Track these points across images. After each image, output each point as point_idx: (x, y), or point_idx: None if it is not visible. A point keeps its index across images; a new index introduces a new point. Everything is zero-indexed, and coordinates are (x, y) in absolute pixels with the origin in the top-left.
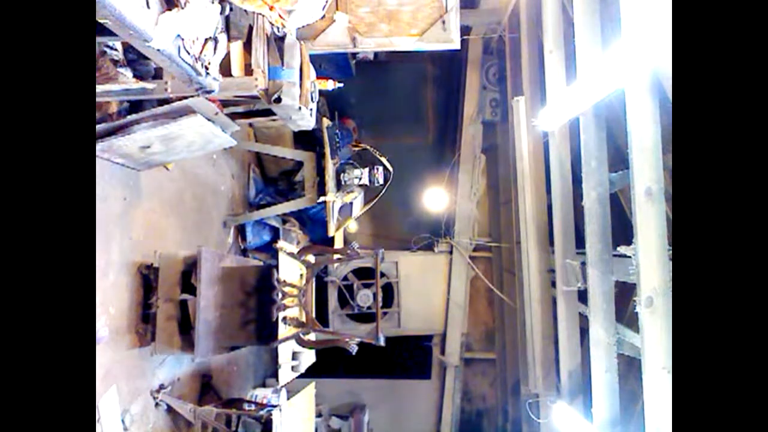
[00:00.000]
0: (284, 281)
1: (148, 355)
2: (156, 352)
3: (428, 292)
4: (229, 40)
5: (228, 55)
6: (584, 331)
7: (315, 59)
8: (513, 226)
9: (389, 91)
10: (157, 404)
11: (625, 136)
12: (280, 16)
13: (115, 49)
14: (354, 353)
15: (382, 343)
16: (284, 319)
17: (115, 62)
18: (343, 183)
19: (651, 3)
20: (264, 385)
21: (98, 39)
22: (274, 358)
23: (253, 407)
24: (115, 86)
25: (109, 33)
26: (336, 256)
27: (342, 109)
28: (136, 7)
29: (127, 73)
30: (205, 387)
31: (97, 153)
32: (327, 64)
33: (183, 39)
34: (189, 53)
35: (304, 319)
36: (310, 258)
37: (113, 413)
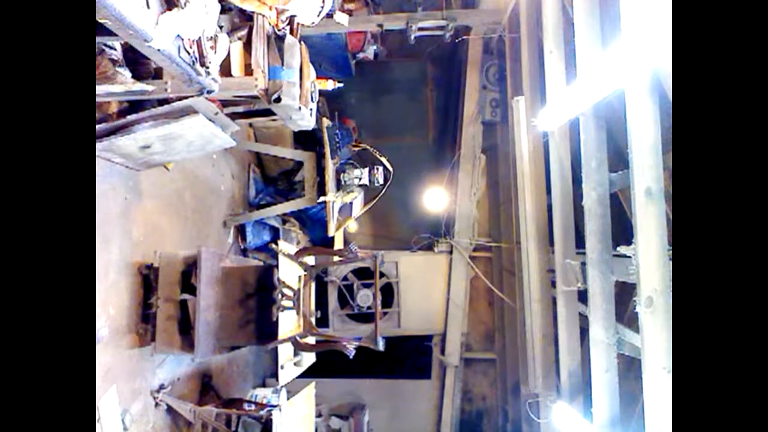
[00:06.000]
0: (284, 282)
1: (148, 355)
2: (156, 352)
3: (428, 292)
4: (229, 40)
5: (228, 55)
6: (584, 331)
7: (315, 59)
8: (513, 226)
9: (389, 91)
10: (157, 404)
11: (625, 136)
12: (277, 16)
13: (114, 49)
14: (351, 357)
15: (381, 348)
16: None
17: (114, 62)
18: (343, 183)
19: (651, 3)
20: (264, 385)
21: (98, 39)
22: (274, 358)
23: (253, 407)
24: (116, 87)
25: (109, 33)
26: (335, 259)
27: (342, 109)
28: (136, 7)
29: (126, 73)
30: (205, 387)
31: (98, 152)
32: (327, 64)
33: (183, 39)
34: (189, 53)
35: (301, 324)
36: (309, 260)
37: (113, 413)
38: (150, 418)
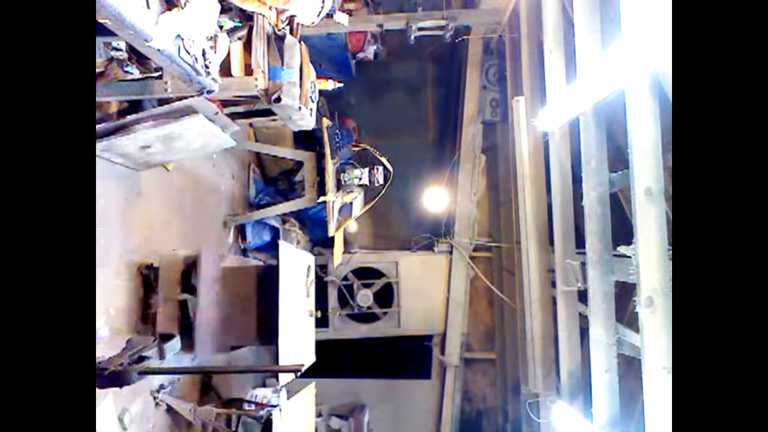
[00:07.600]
0: None
1: None
2: None
3: (428, 292)
4: (229, 40)
5: (228, 55)
6: (584, 331)
7: (315, 59)
8: (513, 226)
9: (389, 91)
10: (157, 404)
11: (625, 136)
12: (277, 16)
13: (120, 50)
14: None
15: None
16: None
17: (121, 62)
18: (343, 183)
19: (651, 3)
20: (264, 385)
21: (98, 39)
22: (274, 359)
23: (253, 407)
24: (116, 86)
25: (109, 33)
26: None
27: (342, 109)
28: (136, 7)
29: (134, 71)
30: (205, 387)
31: (98, 152)
32: (327, 64)
33: (183, 39)
34: (189, 53)
35: None
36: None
37: (110, 416)
38: (150, 418)
